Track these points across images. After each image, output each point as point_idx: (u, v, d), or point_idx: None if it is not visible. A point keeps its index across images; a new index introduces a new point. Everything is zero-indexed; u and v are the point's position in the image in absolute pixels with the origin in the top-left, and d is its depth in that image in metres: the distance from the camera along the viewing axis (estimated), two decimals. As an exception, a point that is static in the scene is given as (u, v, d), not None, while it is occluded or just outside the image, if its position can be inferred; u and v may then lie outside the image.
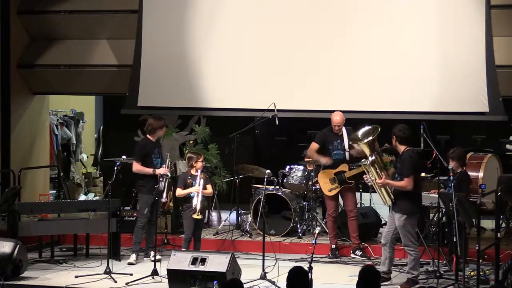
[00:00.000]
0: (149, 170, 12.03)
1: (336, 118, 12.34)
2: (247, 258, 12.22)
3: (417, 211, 10.84)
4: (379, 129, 10.95)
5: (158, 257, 11.28)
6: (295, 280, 7.55)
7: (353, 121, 14.17)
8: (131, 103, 14.37)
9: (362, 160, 11.08)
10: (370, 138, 10.87)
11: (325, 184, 12.41)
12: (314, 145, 12.48)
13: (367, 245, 12.49)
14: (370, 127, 11.05)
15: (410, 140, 10.75)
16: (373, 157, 10.83)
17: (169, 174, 12.01)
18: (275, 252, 11.76)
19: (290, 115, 13.66)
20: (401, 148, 10.68)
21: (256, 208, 12.96)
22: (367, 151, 10.90)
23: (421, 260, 11.70)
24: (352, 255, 12.34)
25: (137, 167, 12.13)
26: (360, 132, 11.05)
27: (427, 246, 11.61)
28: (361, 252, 12.28)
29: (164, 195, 11.95)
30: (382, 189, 10.84)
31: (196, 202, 11.57)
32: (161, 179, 11.91)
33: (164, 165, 12.07)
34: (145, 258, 12.20)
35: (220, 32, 13.97)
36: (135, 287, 10.84)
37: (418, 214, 11.02)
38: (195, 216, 11.60)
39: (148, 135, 12.27)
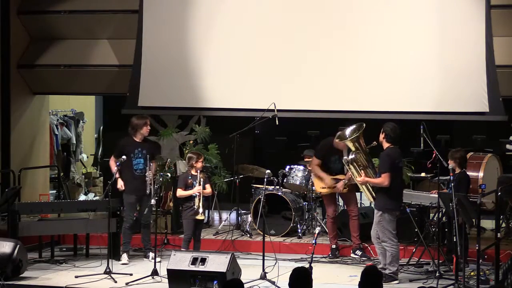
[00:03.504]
0: (114, 170, 11.87)
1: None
2: (247, 258, 12.22)
3: (393, 208, 10.95)
4: (364, 126, 11.27)
5: (158, 259, 11.25)
6: (298, 281, 7.54)
7: (354, 121, 14.21)
8: (132, 103, 14.37)
9: (344, 158, 11.39)
10: (355, 135, 11.16)
11: (320, 183, 12.44)
12: (316, 161, 12.48)
13: (367, 245, 12.49)
14: (356, 125, 11.33)
15: (397, 140, 10.98)
16: (353, 156, 11.14)
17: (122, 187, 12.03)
18: (275, 252, 11.76)
19: (290, 115, 13.66)
20: (386, 145, 10.97)
21: (256, 208, 12.95)
22: (352, 148, 11.22)
23: (421, 260, 11.74)
24: (352, 255, 12.34)
25: (110, 162, 12.17)
26: (348, 131, 11.33)
27: (427, 246, 11.60)
28: (361, 252, 12.27)
29: (153, 200, 11.86)
30: (363, 186, 11.24)
31: (198, 203, 11.58)
32: (150, 183, 11.93)
33: (147, 169, 12.00)
34: (144, 259, 12.21)
35: (220, 32, 13.97)
36: (135, 287, 10.84)
37: (397, 212, 11.11)
38: (198, 217, 11.61)
39: (132, 135, 12.25)
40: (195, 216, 11.65)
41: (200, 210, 11.59)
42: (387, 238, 10.88)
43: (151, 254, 11.90)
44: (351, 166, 11.21)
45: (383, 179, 10.81)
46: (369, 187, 11.23)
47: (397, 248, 10.95)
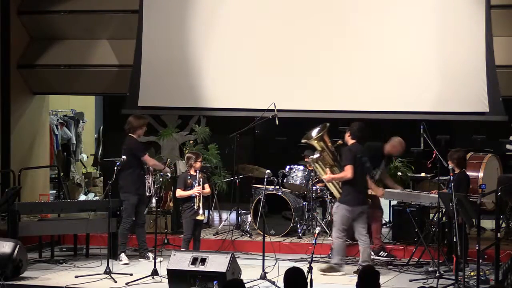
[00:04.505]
0: (162, 166, 12.28)
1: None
2: (247, 258, 12.22)
3: (349, 203, 11.19)
4: (328, 125, 11.57)
5: (159, 259, 11.25)
6: (292, 281, 7.53)
7: (354, 121, 14.19)
8: (132, 103, 14.37)
9: (309, 157, 11.72)
10: (319, 135, 11.47)
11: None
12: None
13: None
14: (320, 126, 11.61)
15: (364, 139, 11.34)
16: (317, 155, 11.47)
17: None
18: (275, 252, 11.76)
19: (290, 115, 13.65)
20: (350, 142, 11.32)
21: (256, 208, 12.95)
22: (318, 148, 11.51)
23: (421, 260, 11.74)
24: (375, 256, 12.19)
25: (152, 161, 12.26)
26: (314, 131, 11.60)
27: (427, 246, 11.60)
28: (386, 253, 12.19)
29: (154, 200, 11.96)
30: (330, 184, 11.69)
31: (198, 204, 11.58)
32: (150, 183, 12.00)
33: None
34: (140, 260, 12.20)
35: (220, 32, 13.97)
36: (135, 287, 10.84)
37: (356, 207, 11.23)
38: (199, 217, 11.62)
39: (130, 134, 12.24)
40: (195, 216, 11.64)
41: (200, 210, 11.60)
42: (335, 229, 11.18)
43: (151, 255, 11.92)
44: (316, 165, 11.56)
45: (346, 172, 11.13)
46: (335, 185, 11.51)
47: (341, 242, 11.21)
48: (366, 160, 11.44)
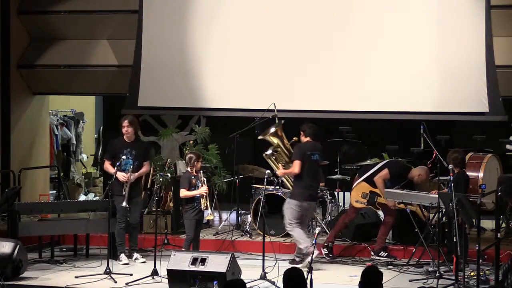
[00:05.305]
0: (111, 170, 11.96)
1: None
2: (247, 258, 12.22)
3: (296, 197, 11.69)
4: (282, 122, 12.34)
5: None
6: (291, 281, 7.53)
7: (354, 121, 14.19)
8: (132, 103, 14.37)
9: (264, 153, 12.25)
10: (273, 131, 12.11)
11: (356, 195, 12.39)
12: (386, 175, 12.30)
13: (367, 245, 12.49)
14: (275, 123, 12.26)
15: (316, 136, 11.89)
16: (270, 151, 12.10)
17: (125, 181, 11.98)
18: (275, 252, 11.76)
19: (290, 115, 13.65)
20: (304, 140, 11.91)
21: (256, 208, 12.96)
22: (274, 143, 12.13)
23: (421, 260, 11.74)
24: (374, 256, 12.21)
25: (105, 165, 12.27)
26: (271, 128, 12.21)
27: (427, 246, 11.60)
28: (386, 253, 12.19)
29: (125, 203, 11.89)
30: (283, 178, 12.57)
31: (206, 203, 11.57)
32: (126, 184, 11.94)
33: (128, 170, 12.02)
34: (128, 259, 12.18)
35: (220, 32, 13.97)
36: (135, 287, 10.84)
37: (304, 203, 11.67)
38: (210, 217, 11.70)
39: (122, 135, 12.29)
40: (200, 216, 11.64)
41: (209, 210, 11.63)
42: (287, 224, 11.66)
43: (136, 255, 12.06)
44: (269, 161, 12.15)
45: (293, 167, 11.74)
46: (288, 179, 12.27)
47: (297, 229, 11.63)
48: (317, 158, 11.86)
